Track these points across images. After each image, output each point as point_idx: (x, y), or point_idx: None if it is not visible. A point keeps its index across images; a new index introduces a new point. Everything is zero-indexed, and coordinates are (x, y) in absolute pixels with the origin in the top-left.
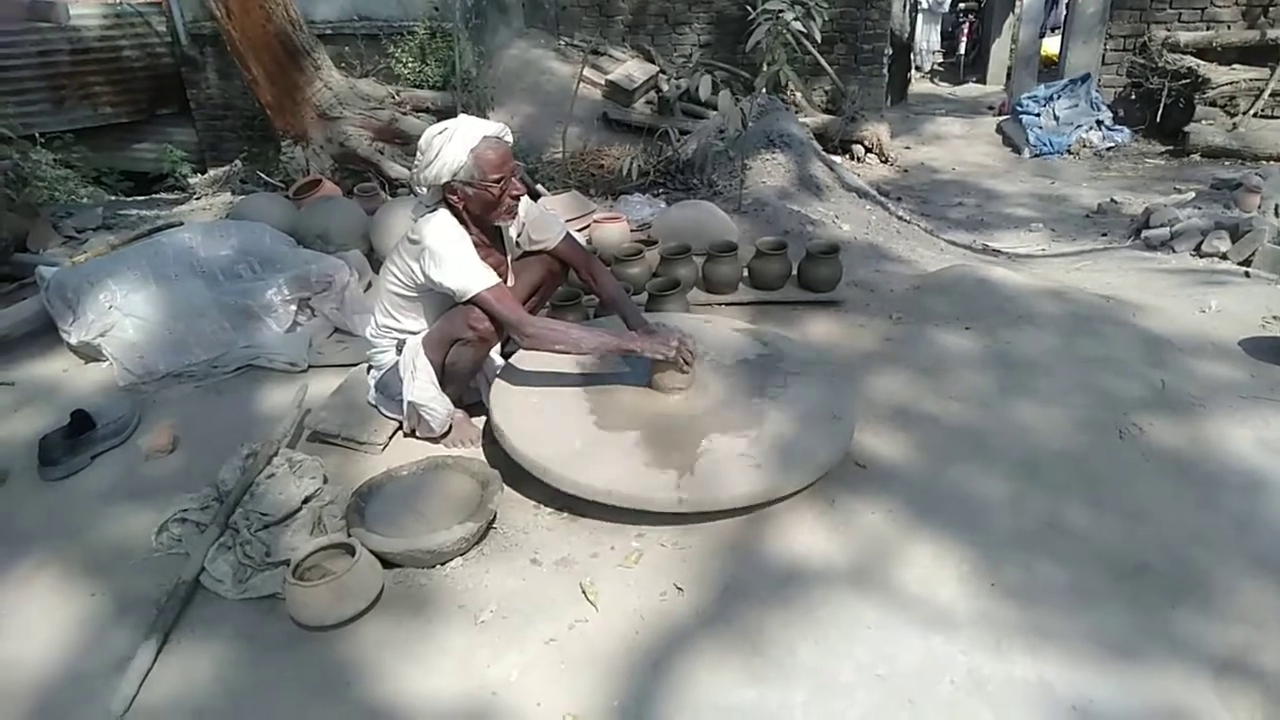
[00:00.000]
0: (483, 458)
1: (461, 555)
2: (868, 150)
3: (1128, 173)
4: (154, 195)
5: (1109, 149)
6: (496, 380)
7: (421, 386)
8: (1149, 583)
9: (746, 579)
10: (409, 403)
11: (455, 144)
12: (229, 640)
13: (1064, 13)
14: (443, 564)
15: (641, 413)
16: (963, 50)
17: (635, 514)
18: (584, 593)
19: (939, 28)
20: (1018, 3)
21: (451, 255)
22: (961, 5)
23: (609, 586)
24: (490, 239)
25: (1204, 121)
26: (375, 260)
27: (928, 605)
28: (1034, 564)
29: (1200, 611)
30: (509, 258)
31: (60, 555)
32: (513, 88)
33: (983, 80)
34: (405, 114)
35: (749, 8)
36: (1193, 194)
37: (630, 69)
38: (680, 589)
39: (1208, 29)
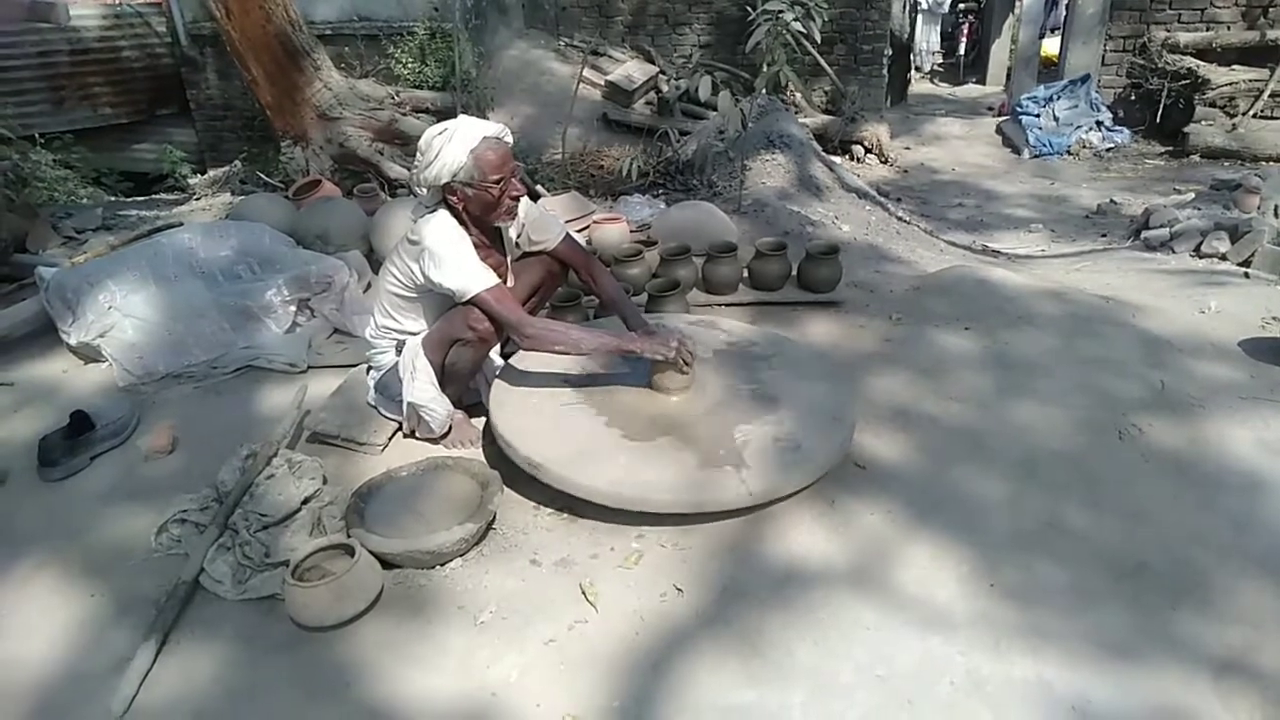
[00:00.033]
0: (482, 458)
1: (461, 556)
2: (867, 151)
3: (1127, 173)
4: (154, 196)
5: (1109, 150)
6: (496, 381)
7: (421, 387)
8: (1148, 583)
9: (746, 580)
10: (408, 403)
11: (455, 145)
12: (228, 641)
13: (1064, 13)
14: (442, 565)
15: (641, 413)
16: (962, 51)
17: (635, 515)
18: (584, 593)
19: (939, 28)
20: (1017, 3)
21: (451, 256)
22: (961, 6)
23: (609, 587)
24: (490, 240)
25: (1204, 122)
26: (375, 261)
27: (927, 606)
28: (1033, 564)
29: (1199, 612)
30: (509, 258)
31: (60, 556)
32: (512, 88)
33: (982, 81)
34: (405, 115)
35: (749, 8)
36: (1192, 195)
37: (630, 70)
38: (680, 590)
39: (1207, 30)
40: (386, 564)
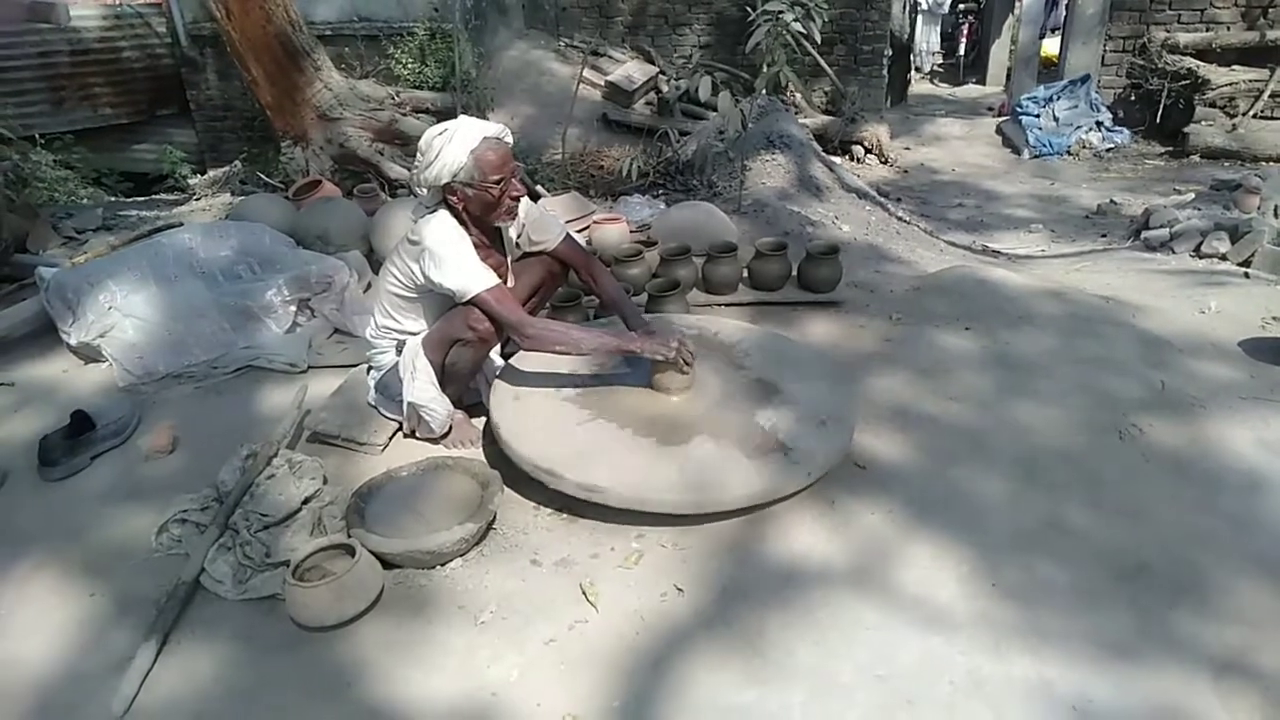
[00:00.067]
0: (483, 458)
1: (461, 556)
2: (867, 151)
3: (1127, 174)
4: (154, 196)
5: (1109, 150)
6: (496, 381)
7: (421, 387)
8: (1148, 583)
9: (746, 580)
10: (409, 403)
11: (455, 145)
12: (229, 641)
13: (1064, 14)
14: (443, 565)
15: (642, 413)
16: (962, 51)
17: (635, 515)
18: (584, 593)
19: (939, 29)
20: (1017, 3)
21: (451, 256)
22: (961, 6)
23: (609, 587)
24: (490, 240)
25: (1203, 122)
26: (375, 261)
27: (927, 606)
28: (1033, 564)
29: (1199, 612)
30: (509, 259)
31: (60, 556)
32: (512, 89)
33: (982, 81)
34: (405, 115)
35: (749, 8)
36: (1192, 195)
37: (630, 70)
38: (680, 590)
39: (1207, 30)
40: (387, 564)
